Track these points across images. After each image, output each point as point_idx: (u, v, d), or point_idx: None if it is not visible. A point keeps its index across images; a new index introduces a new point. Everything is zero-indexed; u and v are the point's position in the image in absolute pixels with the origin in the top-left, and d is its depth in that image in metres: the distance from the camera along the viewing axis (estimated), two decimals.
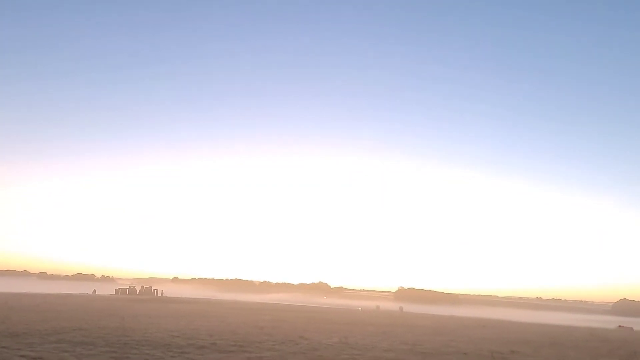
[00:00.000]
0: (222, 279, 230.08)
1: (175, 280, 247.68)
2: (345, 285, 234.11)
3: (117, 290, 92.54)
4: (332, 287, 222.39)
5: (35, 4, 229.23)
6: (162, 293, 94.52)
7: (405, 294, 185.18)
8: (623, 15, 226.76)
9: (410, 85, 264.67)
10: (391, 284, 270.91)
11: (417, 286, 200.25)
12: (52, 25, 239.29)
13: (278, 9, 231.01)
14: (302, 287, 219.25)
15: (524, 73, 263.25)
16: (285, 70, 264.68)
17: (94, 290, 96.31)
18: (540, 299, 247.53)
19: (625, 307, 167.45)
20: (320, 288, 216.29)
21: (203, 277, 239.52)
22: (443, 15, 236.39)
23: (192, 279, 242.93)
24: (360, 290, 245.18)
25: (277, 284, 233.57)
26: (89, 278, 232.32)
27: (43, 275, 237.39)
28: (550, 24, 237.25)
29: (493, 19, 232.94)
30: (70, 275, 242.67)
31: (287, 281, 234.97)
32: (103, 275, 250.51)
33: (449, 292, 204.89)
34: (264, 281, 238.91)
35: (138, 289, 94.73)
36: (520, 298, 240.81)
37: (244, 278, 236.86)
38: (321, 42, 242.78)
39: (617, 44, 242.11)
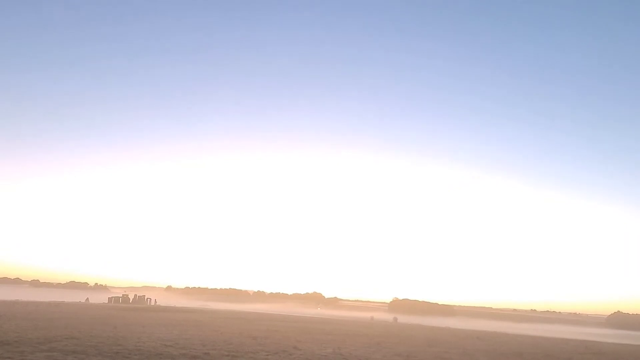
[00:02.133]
0: (215, 288, 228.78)
1: (169, 289, 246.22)
2: (339, 296, 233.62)
3: (110, 299, 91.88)
4: (326, 297, 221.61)
5: None
6: (155, 302, 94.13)
7: (400, 305, 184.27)
8: (629, 11, 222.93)
9: (398, 86, 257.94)
10: (386, 295, 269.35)
11: (412, 297, 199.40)
12: (37, 12, 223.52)
13: (278, 2, 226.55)
14: (296, 297, 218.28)
15: (530, 69, 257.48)
16: (274, 69, 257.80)
17: (87, 299, 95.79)
18: (534, 311, 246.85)
19: (619, 320, 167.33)
20: (315, 298, 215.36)
21: (197, 286, 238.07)
22: (445, 11, 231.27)
23: (185, 288, 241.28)
24: (354, 300, 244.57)
25: (271, 293, 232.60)
26: (82, 286, 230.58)
27: (35, 283, 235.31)
28: (558, 18, 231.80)
29: (495, 13, 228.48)
30: (63, 283, 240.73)
31: (281, 291, 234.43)
32: (96, 284, 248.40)
33: (444, 303, 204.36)
34: (258, 291, 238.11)
35: (131, 297, 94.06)
36: (515, 310, 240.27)
37: (237, 287, 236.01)
38: (320, 38, 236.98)
39: (624, 40, 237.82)
